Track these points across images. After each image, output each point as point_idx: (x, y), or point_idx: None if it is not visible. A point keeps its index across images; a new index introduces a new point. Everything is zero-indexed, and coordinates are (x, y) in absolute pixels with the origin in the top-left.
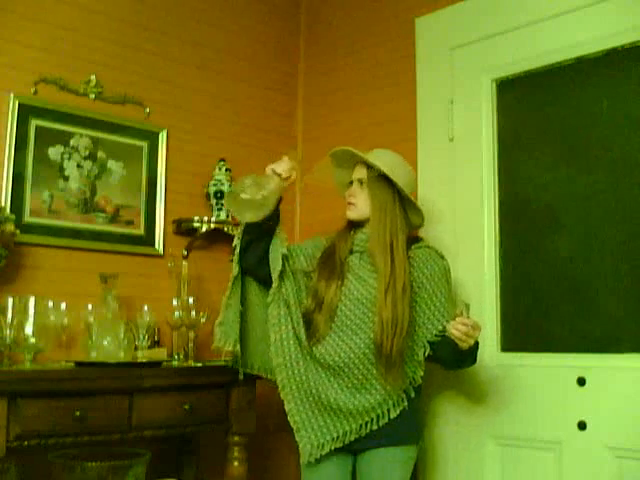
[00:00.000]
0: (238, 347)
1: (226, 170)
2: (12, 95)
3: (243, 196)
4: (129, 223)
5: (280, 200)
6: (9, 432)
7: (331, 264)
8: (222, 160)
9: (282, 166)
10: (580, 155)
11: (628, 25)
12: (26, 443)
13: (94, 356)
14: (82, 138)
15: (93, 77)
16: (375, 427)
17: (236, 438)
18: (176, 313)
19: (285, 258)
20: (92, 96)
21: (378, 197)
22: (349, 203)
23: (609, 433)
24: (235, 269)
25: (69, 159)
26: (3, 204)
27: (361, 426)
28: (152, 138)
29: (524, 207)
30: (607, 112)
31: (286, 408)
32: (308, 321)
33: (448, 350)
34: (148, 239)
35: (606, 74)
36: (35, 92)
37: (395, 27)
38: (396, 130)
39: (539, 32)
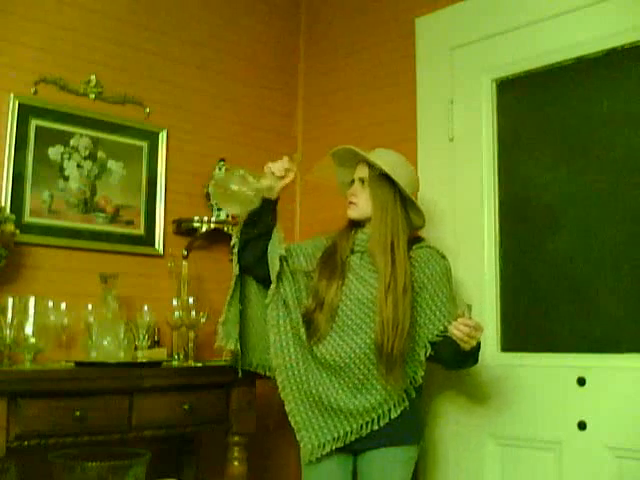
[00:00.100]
0: (238, 346)
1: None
2: (12, 95)
3: (233, 187)
4: (129, 223)
5: (277, 199)
6: (9, 432)
7: (332, 264)
8: (222, 160)
9: (277, 165)
10: (580, 155)
11: (628, 25)
12: (26, 443)
13: (94, 356)
14: (82, 138)
15: (93, 77)
16: (376, 427)
17: (236, 438)
18: (176, 313)
19: (284, 259)
20: (92, 96)
21: (379, 197)
22: (350, 202)
23: (609, 433)
24: (235, 269)
25: (69, 159)
26: (3, 204)
27: (362, 426)
28: (152, 138)
29: (524, 207)
30: (607, 112)
31: (287, 409)
32: (309, 321)
33: (450, 350)
34: (148, 239)
35: (606, 74)
36: (35, 92)
37: (395, 27)
38: (396, 130)
39: (539, 32)
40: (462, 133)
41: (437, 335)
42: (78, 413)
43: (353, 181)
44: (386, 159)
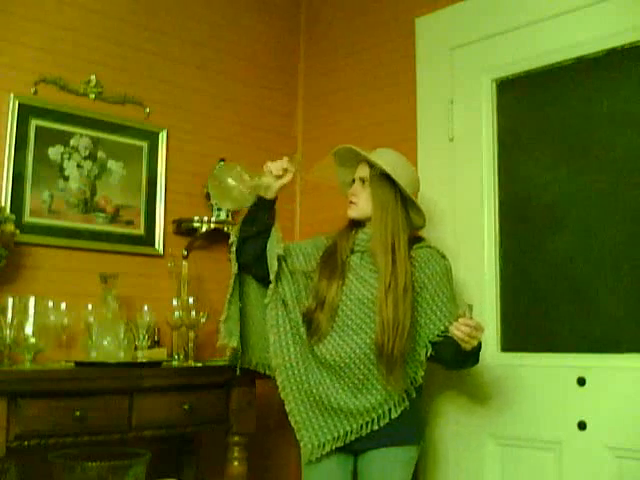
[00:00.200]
0: (239, 343)
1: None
2: (12, 95)
3: (228, 182)
4: (129, 223)
5: (276, 199)
6: (9, 432)
7: (332, 263)
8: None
9: (276, 165)
10: (580, 155)
11: (628, 25)
12: (26, 443)
13: (94, 356)
14: (82, 138)
15: (93, 77)
16: (376, 427)
17: (236, 438)
18: (176, 313)
19: (283, 259)
20: (92, 96)
21: (380, 196)
22: (350, 202)
23: (609, 433)
24: (234, 267)
25: (69, 159)
26: (3, 204)
27: (362, 426)
28: (152, 138)
29: (524, 207)
30: (607, 112)
31: (287, 409)
32: (309, 320)
33: (451, 351)
34: (148, 239)
35: (606, 74)
36: (35, 92)
37: (395, 27)
38: (396, 130)
39: (539, 32)
40: (462, 133)
41: (438, 335)
42: (78, 413)
43: (354, 181)
44: (387, 159)
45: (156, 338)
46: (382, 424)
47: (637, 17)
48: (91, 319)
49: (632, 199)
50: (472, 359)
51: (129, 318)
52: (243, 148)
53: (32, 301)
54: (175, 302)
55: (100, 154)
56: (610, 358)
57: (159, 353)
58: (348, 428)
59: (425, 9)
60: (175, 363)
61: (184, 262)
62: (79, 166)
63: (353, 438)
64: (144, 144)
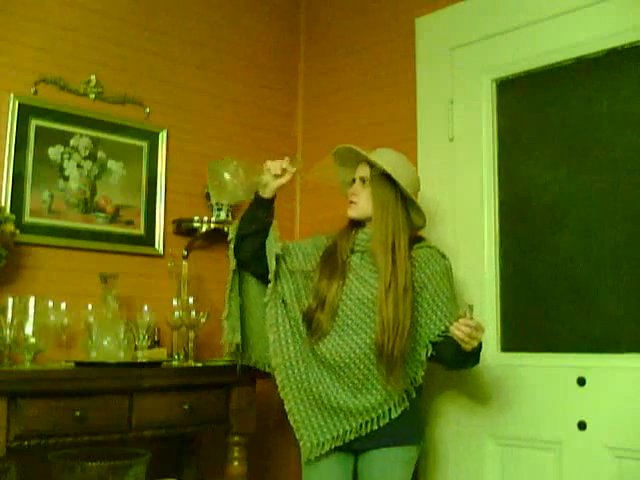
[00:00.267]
0: (239, 338)
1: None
2: (12, 95)
3: (225, 175)
4: (129, 223)
5: (274, 198)
6: (9, 432)
7: (332, 263)
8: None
9: (275, 164)
10: (580, 155)
11: (628, 25)
12: (26, 443)
13: (94, 356)
14: (82, 138)
15: (93, 77)
16: (375, 427)
17: (236, 438)
18: (176, 313)
19: (282, 258)
20: (92, 96)
21: (380, 196)
22: (351, 202)
23: (609, 433)
24: (232, 263)
25: (69, 159)
26: (3, 204)
27: (361, 425)
28: (152, 138)
29: (524, 207)
30: (607, 112)
31: (286, 408)
32: (310, 320)
33: (451, 351)
34: (148, 239)
35: (606, 74)
36: (35, 92)
37: (395, 27)
38: (396, 130)
39: (539, 32)
40: (462, 133)
41: (438, 335)
42: (78, 413)
43: (354, 181)
44: (387, 159)
45: (156, 338)
46: (382, 424)
47: (637, 17)
48: (91, 319)
49: (632, 199)
50: (472, 359)
51: (129, 318)
52: (243, 148)
53: (32, 301)
54: (175, 302)
55: (100, 154)
56: (610, 358)
57: (159, 353)
58: (347, 427)
59: (425, 9)
60: (175, 363)
61: (184, 262)
62: (79, 166)
63: (352, 437)
64: (144, 144)
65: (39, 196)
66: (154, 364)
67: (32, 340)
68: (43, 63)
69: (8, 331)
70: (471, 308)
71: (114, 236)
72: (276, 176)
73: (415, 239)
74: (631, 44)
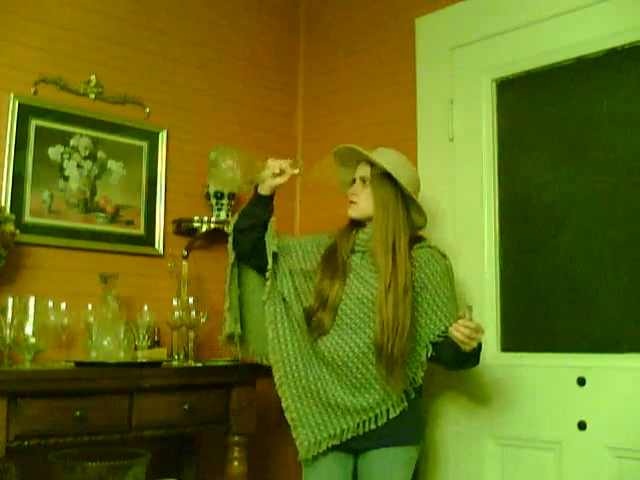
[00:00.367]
0: (240, 329)
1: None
2: (12, 95)
3: (223, 165)
4: (129, 223)
5: (273, 195)
6: (9, 432)
7: (333, 263)
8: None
9: (275, 163)
10: (580, 155)
11: (628, 25)
12: (26, 443)
13: (94, 356)
14: (82, 138)
15: (93, 77)
16: (373, 426)
17: (236, 438)
18: (176, 313)
19: (281, 255)
20: (92, 96)
21: (381, 195)
22: (351, 202)
23: (609, 433)
24: (231, 256)
25: (69, 159)
26: (3, 204)
27: (359, 424)
28: (152, 138)
29: (524, 207)
30: (607, 112)
31: (283, 405)
32: (311, 319)
33: (451, 351)
34: (148, 239)
35: (606, 74)
36: (35, 92)
37: (395, 27)
38: (396, 130)
39: (539, 32)
40: (462, 133)
41: (438, 336)
42: (78, 413)
43: (354, 180)
44: (387, 158)
45: (156, 338)
46: (380, 423)
47: (637, 17)
48: (91, 319)
49: (632, 199)
50: (472, 360)
51: (129, 318)
52: (243, 148)
53: (32, 301)
54: (175, 302)
55: (100, 154)
56: (610, 358)
57: (159, 353)
58: (345, 426)
59: (425, 9)
60: (175, 363)
61: (184, 262)
62: (79, 166)
63: (350, 436)
64: (144, 144)
65: (39, 196)
66: (154, 364)
67: (32, 340)
68: (43, 63)
69: (8, 331)
70: (470, 309)
71: (114, 236)
72: (274, 175)
73: (415, 239)
74: (631, 44)
